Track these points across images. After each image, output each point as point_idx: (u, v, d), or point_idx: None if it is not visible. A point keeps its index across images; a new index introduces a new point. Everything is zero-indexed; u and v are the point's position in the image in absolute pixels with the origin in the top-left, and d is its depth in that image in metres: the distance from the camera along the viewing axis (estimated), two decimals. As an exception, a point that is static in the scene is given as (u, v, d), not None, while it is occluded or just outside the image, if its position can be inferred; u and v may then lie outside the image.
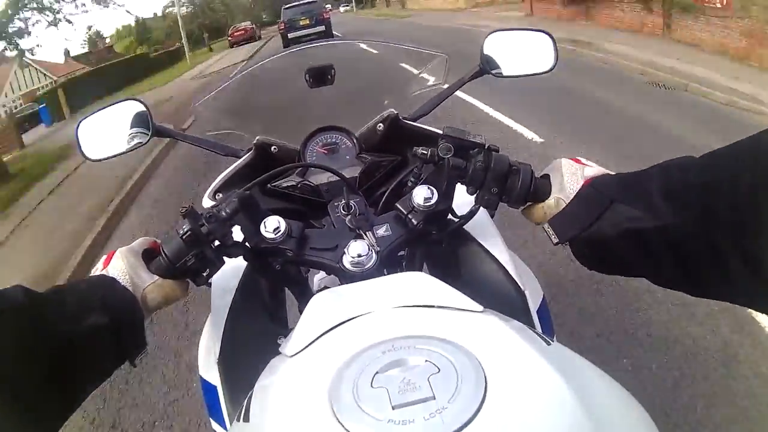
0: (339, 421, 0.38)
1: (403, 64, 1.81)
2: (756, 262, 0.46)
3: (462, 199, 0.75)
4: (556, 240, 0.66)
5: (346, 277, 0.68)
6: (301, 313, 0.60)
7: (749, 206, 0.46)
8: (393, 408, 0.38)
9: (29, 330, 0.53)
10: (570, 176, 0.68)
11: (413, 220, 0.70)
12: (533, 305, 0.80)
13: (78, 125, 1.02)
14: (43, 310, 0.55)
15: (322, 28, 17.94)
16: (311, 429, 0.40)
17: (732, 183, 0.48)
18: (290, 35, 17.69)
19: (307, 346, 0.52)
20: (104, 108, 1.04)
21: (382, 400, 0.39)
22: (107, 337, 0.59)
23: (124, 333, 0.61)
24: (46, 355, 0.53)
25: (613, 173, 0.66)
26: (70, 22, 12.68)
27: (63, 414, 0.56)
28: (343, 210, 0.75)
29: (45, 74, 30.18)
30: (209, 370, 0.79)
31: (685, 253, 0.54)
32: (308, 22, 17.95)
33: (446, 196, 0.72)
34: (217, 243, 0.68)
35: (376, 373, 0.42)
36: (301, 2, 18.96)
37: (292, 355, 0.52)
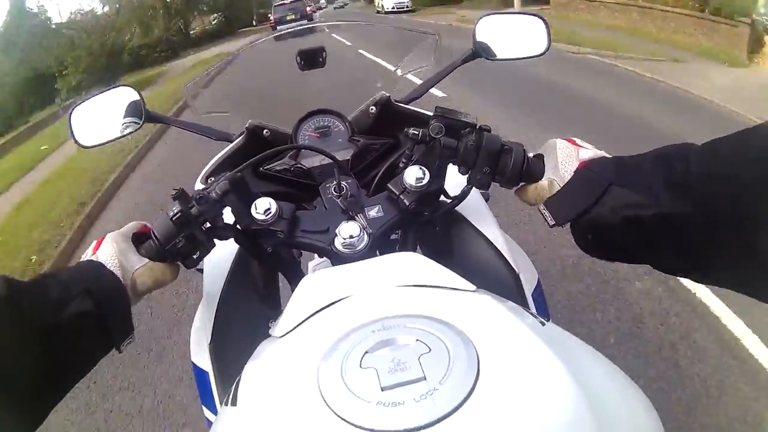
0: (327, 404, 0.38)
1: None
2: (757, 251, 0.46)
3: (455, 181, 0.74)
4: (552, 222, 0.66)
5: (338, 259, 0.68)
6: None
7: (750, 195, 0.46)
8: (382, 390, 0.38)
9: (11, 320, 0.52)
10: (565, 157, 0.67)
11: (405, 201, 0.69)
12: (528, 288, 0.80)
13: (71, 111, 1.02)
14: (25, 299, 0.54)
15: (305, 22, 21.66)
16: (298, 412, 0.39)
17: (733, 172, 0.48)
18: (279, 28, 21.46)
19: (295, 327, 0.52)
20: (97, 94, 1.04)
21: (371, 382, 0.38)
22: (92, 324, 0.59)
23: (109, 319, 0.60)
24: (30, 344, 0.53)
25: (610, 156, 0.66)
26: None
27: (49, 403, 0.56)
28: (335, 192, 0.75)
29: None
30: (201, 355, 0.79)
31: (686, 240, 0.54)
32: (294, 17, 22.14)
33: (438, 176, 0.71)
34: (207, 225, 0.68)
35: (366, 353, 0.41)
36: (289, 1, 23.61)
37: (280, 336, 0.52)
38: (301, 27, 1.26)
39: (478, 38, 1.02)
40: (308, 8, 23.60)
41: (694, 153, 0.54)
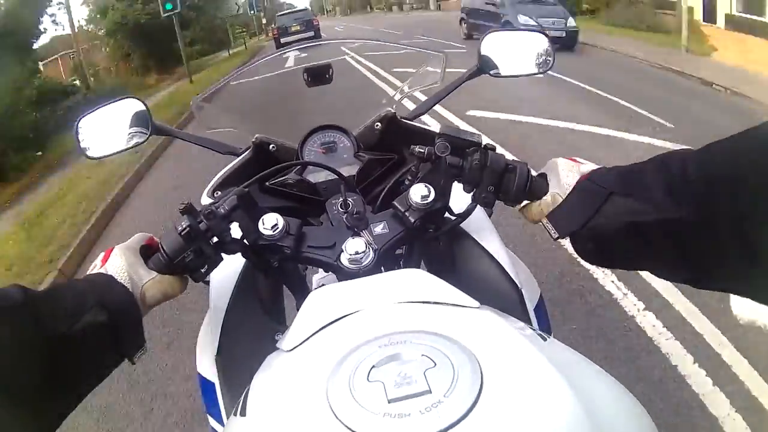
0: (335, 415, 0.39)
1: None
2: (756, 254, 0.47)
3: (459, 198, 0.75)
4: (555, 234, 0.66)
5: (344, 274, 0.69)
6: (298, 311, 0.61)
7: (748, 199, 0.47)
8: (389, 402, 0.39)
9: (26, 329, 0.53)
10: (566, 173, 0.68)
11: (410, 218, 0.70)
12: (530, 303, 0.81)
13: (77, 122, 1.03)
14: (40, 309, 0.55)
15: (311, 33, 19.95)
16: (307, 423, 0.40)
17: (731, 176, 0.49)
18: (283, 40, 19.47)
19: (304, 341, 0.52)
20: (104, 106, 1.05)
21: (378, 394, 0.39)
22: (105, 335, 0.59)
23: (122, 330, 0.61)
24: (44, 354, 0.53)
25: (610, 167, 0.67)
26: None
27: (61, 414, 0.56)
28: (341, 208, 0.75)
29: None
30: (207, 366, 0.80)
31: (686, 246, 0.54)
32: (299, 28, 20.06)
33: (443, 194, 0.72)
34: (215, 240, 0.69)
35: (373, 367, 0.42)
36: (293, 10, 21.61)
37: (289, 350, 0.53)
38: (309, 44, 1.26)
39: (483, 54, 1.03)
40: (315, 20, 21.31)
41: (692, 157, 0.55)
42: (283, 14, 21.90)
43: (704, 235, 0.52)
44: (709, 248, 0.52)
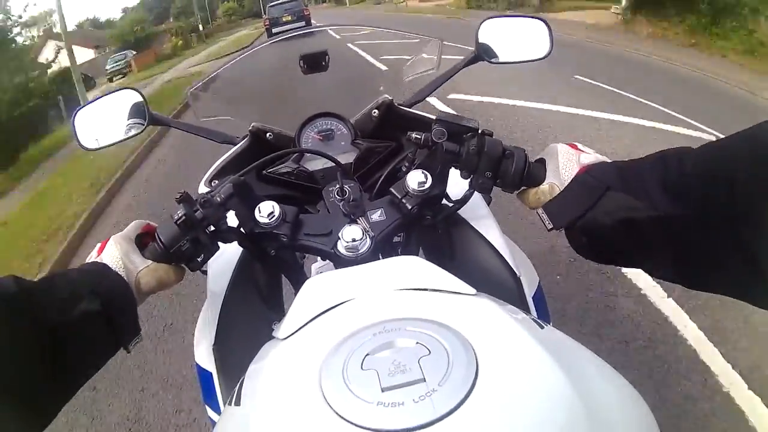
0: (328, 404, 0.38)
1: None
2: (753, 256, 0.46)
3: (457, 185, 0.75)
4: (550, 226, 0.66)
5: (341, 262, 0.68)
6: None
7: (746, 199, 0.46)
8: (382, 390, 0.38)
9: (20, 319, 0.52)
10: (566, 162, 0.67)
11: (408, 205, 0.70)
12: (529, 291, 0.80)
13: (74, 114, 1.02)
14: (34, 299, 0.55)
15: (302, 23, 19.84)
16: (301, 412, 0.40)
17: (729, 176, 0.48)
18: (274, 30, 19.65)
19: (299, 329, 0.52)
20: (101, 97, 1.05)
21: (372, 382, 0.39)
22: (99, 324, 0.59)
23: (116, 319, 0.61)
24: (38, 344, 0.53)
25: (610, 161, 0.66)
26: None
27: (57, 404, 0.56)
28: (338, 195, 0.75)
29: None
30: (205, 357, 0.80)
31: (681, 245, 0.54)
32: (290, 18, 20.09)
33: (440, 180, 0.72)
34: (211, 228, 0.68)
35: (367, 355, 0.42)
36: (284, 1, 21.24)
37: (284, 338, 0.52)
38: (300, 32, 1.25)
39: (481, 41, 1.02)
40: (305, 11, 20.87)
41: (690, 156, 0.54)
42: (274, 5, 21.61)
43: (700, 236, 0.51)
44: (705, 249, 0.51)
